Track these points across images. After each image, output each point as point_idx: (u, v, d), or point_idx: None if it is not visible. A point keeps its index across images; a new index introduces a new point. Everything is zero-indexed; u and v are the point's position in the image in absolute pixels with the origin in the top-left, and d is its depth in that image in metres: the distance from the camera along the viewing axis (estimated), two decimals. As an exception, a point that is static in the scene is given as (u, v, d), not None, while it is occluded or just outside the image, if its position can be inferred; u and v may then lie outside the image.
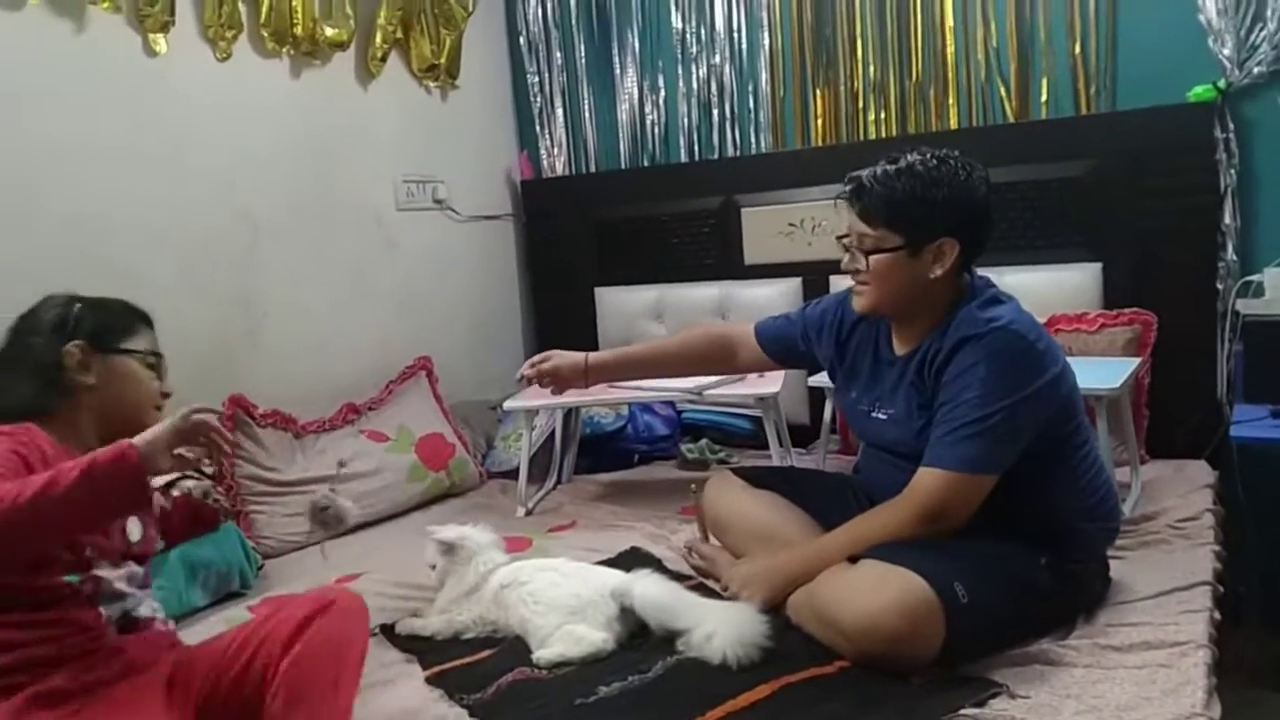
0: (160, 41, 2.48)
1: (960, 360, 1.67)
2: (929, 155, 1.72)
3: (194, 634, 1.93)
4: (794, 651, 1.61)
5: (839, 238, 1.83)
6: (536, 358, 2.19)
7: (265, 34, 2.75)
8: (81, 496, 1.21)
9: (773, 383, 2.64)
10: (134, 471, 1.24)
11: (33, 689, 1.28)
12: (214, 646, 1.46)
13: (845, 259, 1.81)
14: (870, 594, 1.54)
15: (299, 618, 1.38)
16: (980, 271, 1.83)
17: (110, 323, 1.49)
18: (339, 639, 1.38)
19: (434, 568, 1.94)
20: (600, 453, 3.16)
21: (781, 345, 2.10)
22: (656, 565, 2.11)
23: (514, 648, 1.73)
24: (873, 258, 1.73)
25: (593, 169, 3.60)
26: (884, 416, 1.83)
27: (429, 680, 1.66)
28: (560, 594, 1.77)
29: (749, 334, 2.15)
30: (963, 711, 1.40)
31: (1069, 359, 1.78)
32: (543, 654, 1.67)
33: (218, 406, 1.51)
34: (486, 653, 1.74)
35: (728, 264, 3.27)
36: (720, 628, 1.62)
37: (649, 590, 1.74)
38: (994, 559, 1.63)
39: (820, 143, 3.18)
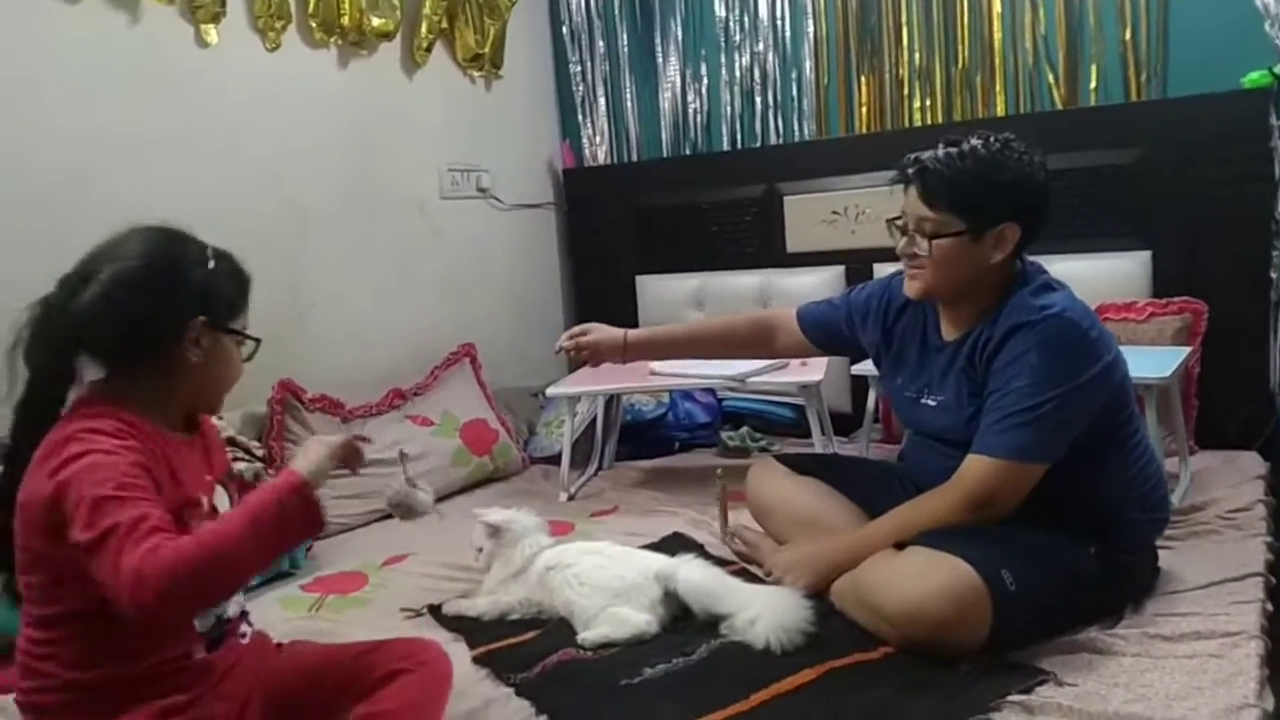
0: (211, 32, 2.53)
1: (1012, 348, 1.66)
2: (991, 139, 1.70)
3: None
4: (839, 637, 1.62)
5: (890, 220, 1.80)
6: (575, 329, 2.19)
7: (313, 24, 2.79)
8: (271, 542, 1.18)
9: (816, 370, 2.63)
10: (312, 503, 1.21)
11: None
12: (299, 662, 1.42)
13: (901, 242, 1.77)
14: (916, 580, 1.54)
15: (388, 669, 1.34)
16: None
17: (235, 298, 1.34)
18: (414, 706, 1.32)
19: (480, 550, 1.96)
20: (641, 440, 3.18)
21: (824, 330, 2.08)
22: (699, 550, 2.12)
23: (559, 629, 1.75)
24: (934, 242, 1.70)
25: (634, 158, 3.61)
26: (933, 403, 1.82)
27: (475, 660, 1.69)
28: (605, 576, 1.79)
29: (790, 318, 2.13)
30: (1009, 698, 1.40)
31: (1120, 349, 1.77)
32: (587, 635, 1.69)
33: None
34: (532, 634, 1.76)
35: (770, 252, 3.27)
36: (764, 612, 1.63)
37: (693, 575, 1.75)
38: (1042, 547, 1.62)
39: (864, 130, 3.17)
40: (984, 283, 1.73)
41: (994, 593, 1.51)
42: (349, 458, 1.36)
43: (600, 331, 2.16)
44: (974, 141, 1.70)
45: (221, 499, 1.40)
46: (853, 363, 2.76)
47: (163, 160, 2.43)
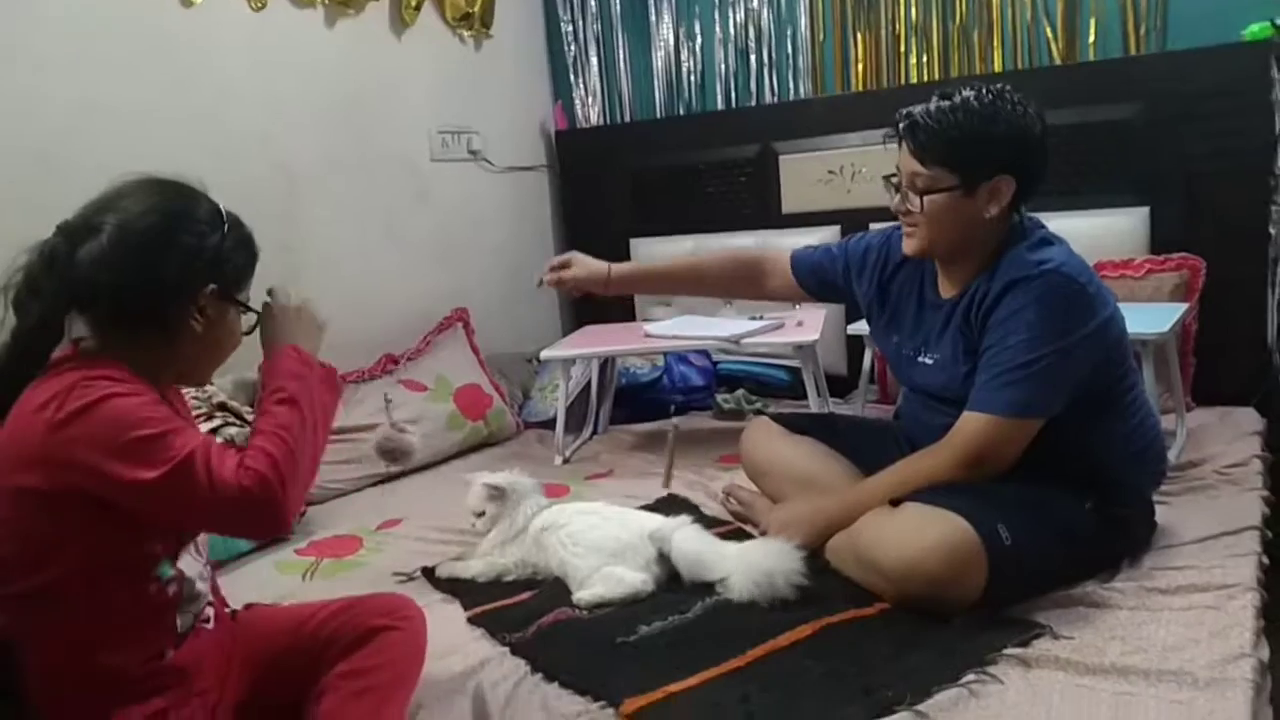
0: (195, -9, 2.48)
1: (1008, 303, 1.64)
2: (983, 90, 1.67)
3: (242, 576, 1.98)
4: (834, 594, 1.61)
5: (886, 177, 1.78)
6: (556, 260, 2.14)
7: (299, -18, 2.74)
8: (318, 419, 1.22)
9: (811, 330, 2.61)
10: (329, 373, 1.31)
11: None
12: (270, 627, 1.40)
13: (895, 200, 1.75)
14: (912, 536, 1.53)
15: (368, 626, 1.33)
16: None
17: (244, 268, 1.27)
18: (398, 664, 1.32)
19: (480, 514, 1.94)
20: (636, 403, 3.16)
21: (818, 278, 2.05)
22: (694, 511, 2.12)
23: (554, 589, 1.75)
24: (926, 198, 1.68)
25: (628, 118, 3.57)
26: (929, 362, 1.80)
27: (470, 620, 1.68)
28: (600, 536, 1.78)
29: (783, 261, 2.09)
30: (1006, 651, 1.40)
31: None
32: (582, 595, 1.69)
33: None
34: (527, 594, 1.76)
35: (765, 213, 3.24)
36: (757, 565, 1.63)
37: (685, 542, 1.74)
38: (1038, 503, 1.61)
39: (861, 88, 3.13)
40: (980, 238, 1.71)
41: (990, 548, 1.50)
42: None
43: (582, 264, 2.12)
44: (966, 93, 1.67)
45: None
46: (848, 320, 2.74)
47: (149, 123, 2.39)
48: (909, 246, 1.76)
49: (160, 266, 1.17)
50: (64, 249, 1.16)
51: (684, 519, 1.84)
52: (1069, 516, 1.64)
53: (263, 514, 1.11)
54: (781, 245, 3.06)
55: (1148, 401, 1.81)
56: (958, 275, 1.76)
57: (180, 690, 1.23)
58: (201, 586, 1.29)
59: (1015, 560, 1.52)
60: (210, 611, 1.34)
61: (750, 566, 1.62)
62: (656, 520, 1.84)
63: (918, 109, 1.68)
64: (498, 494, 1.92)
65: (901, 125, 1.70)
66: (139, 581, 1.18)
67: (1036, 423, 1.63)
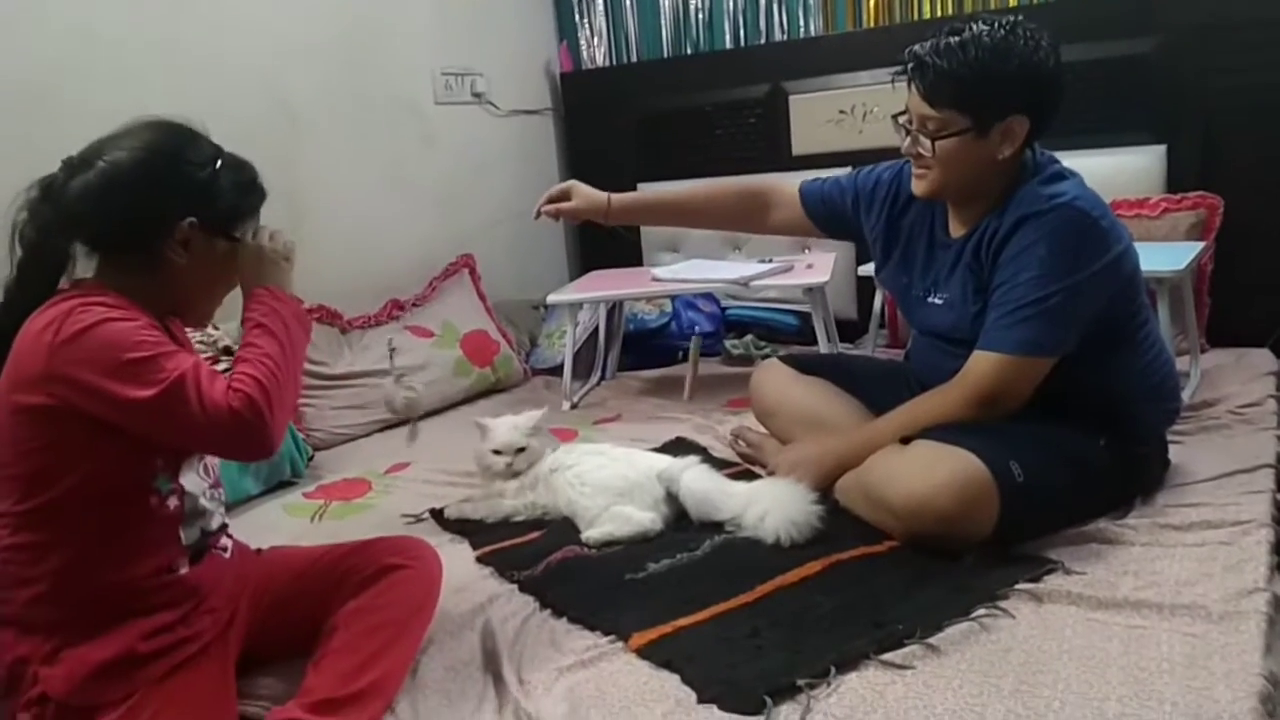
0: (193, -74, 2.42)
1: (1020, 239, 1.59)
2: (995, 25, 1.59)
3: (250, 519, 1.99)
4: (843, 532, 1.61)
5: (895, 116, 1.71)
6: (554, 190, 2.07)
7: (299, -82, 2.67)
8: (296, 342, 1.26)
9: (821, 272, 2.58)
10: (299, 308, 1.30)
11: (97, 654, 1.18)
12: (285, 566, 1.42)
13: (905, 142, 1.69)
14: (923, 473, 1.52)
15: (381, 564, 1.34)
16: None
17: (238, 203, 1.28)
18: (411, 602, 1.33)
19: (520, 451, 1.87)
20: (644, 349, 3.15)
21: (827, 209, 1.98)
22: (702, 453, 2.11)
23: (563, 529, 1.74)
24: (937, 142, 1.62)
25: (634, 59, 3.50)
26: (939, 301, 1.76)
27: (479, 560, 1.68)
28: (608, 476, 1.77)
29: (790, 192, 2.02)
30: (1018, 587, 1.39)
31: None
32: (591, 534, 1.68)
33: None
34: (535, 534, 1.76)
35: (775, 155, 3.19)
36: (773, 507, 1.62)
37: (694, 481, 1.73)
38: (1051, 440, 1.59)
39: (872, 24, 3.06)
40: (993, 178, 1.66)
41: (1002, 484, 1.49)
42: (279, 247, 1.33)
43: (581, 194, 2.05)
44: (977, 29, 1.58)
45: None
46: (859, 262, 2.70)
47: (150, 59, 2.34)
48: (919, 188, 1.71)
49: (138, 197, 1.20)
50: (61, 180, 1.21)
51: (693, 459, 1.82)
52: (1082, 454, 1.62)
53: (251, 435, 1.14)
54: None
55: (1161, 338, 1.78)
56: (969, 214, 1.72)
57: (190, 606, 1.26)
58: (207, 504, 1.32)
59: (1027, 497, 1.50)
60: (228, 542, 1.38)
61: (778, 509, 1.61)
62: (665, 460, 1.83)
63: (925, 47, 1.61)
64: (534, 432, 1.90)
65: (909, 66, 1.63)
66: (140, 494, 1.21)
67: (1048, 361, 1.60)
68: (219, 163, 1.26)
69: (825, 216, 1.99)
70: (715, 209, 2.11)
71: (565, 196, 2.05)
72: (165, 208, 1.22)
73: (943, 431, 1.59)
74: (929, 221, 1.80)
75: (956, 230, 1.75)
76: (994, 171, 1.64)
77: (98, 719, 1.16)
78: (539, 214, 2.08)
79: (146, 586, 1.23)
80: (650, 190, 2.15)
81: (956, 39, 1.58)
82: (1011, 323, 1.59)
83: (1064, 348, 1.60)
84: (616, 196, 2.07)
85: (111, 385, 1.11)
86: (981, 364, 1.62)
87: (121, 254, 1.23)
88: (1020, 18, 1.62)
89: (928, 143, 1.63)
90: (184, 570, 1.27)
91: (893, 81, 1.69)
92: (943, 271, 1.76)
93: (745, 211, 2.08)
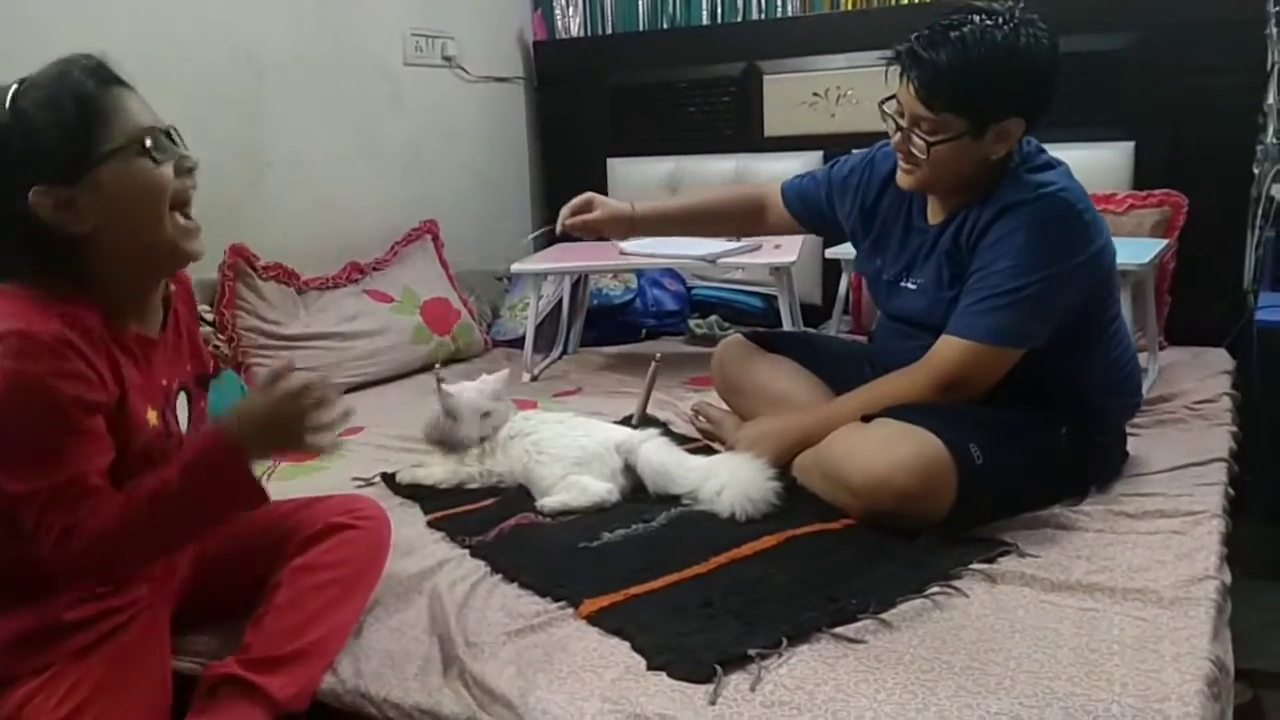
0: None
1: (1001, 226, 1.57)
2: (998, 19, 1.50)
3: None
4: (800, 508, 1.59)
5: (882, 104, 1.64)
6: (578, 202, 1.93)
7: None
8: (204, 518, 1.14)
9: (789, 252, 2.57)
10: (237, 468, 1.08)
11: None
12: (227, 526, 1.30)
13: (895, 136, 1.62)
14: (882, 451, 1.50)
15: (327, 522, 1.30)
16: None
17: (75, 132, 1.05)
18: (357, 561, 1.29)
19: (486, 414, 1.83)
20: (607, 325, 3.12)
21: (805, 206, 1.96)
22: (662, 428, 2.08)
23: (517, 496, 1.72)
24: (931, 146, 1.56)
25: (609, 30, 3.45)
26: (913, 287, 1.73)
27: (430, 524, 1.65)
28: (565, 445, 1.74)
29: (776, 194, 2.01)
30: (971, 566, 1.39)
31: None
32: (546, 502, 1.65)
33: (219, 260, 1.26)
34: (489, 501, 1.73)
35: (747, 135, 3.16)
36: (730, 481, 1.60)
37: (653, 454, 1.71)
38: (1013, 426, 1.58)
39: (850, 6, 3.04)
40: (983, 171, 1.62)
41: (960, 466, 1.48)
42: (295, 416, 1.09)
43: (605, 207, 1.93)
44: (978, 22, 1.50)
45: (182, 409, 1.28)
46: (825, 246, 2.69)
47: (105, 6, 2.25)
48: (905, 183, 1.67)
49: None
50: None
51: (652, 431, 1.80)
52: (1042, 441, 1.62)
53: (55, 567, 1.06)
54: (762, 170, 3.04)
55: (1128, 334, 1.78)
56: (950, 202, 1.68)
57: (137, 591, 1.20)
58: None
59: (985, 480, 1.50)
60: None
61: (735, 483, 1.59)
62: (624, 432, 1.80)
63: (922, 41, 1.52)
64: (498, 396, 1.87)
65: (904, 60, 1.55)
66: None
67: (1016, 352, 1.58)
68: (6, 106, 1.05)
69: (805, 213, 1.97)
70: (724, 215, 2.08)
71: (587, 207, 1.93)
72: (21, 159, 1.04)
73: (903, 411, 1.57)
74: (905, 206, 1.77)
75: (935, 216, 1.72)
76: (984, 168, 1.61)
77: (20, 687, 1.09)
78: (561, 229, 1.95)
79: None
80: (670, 201, 2.08)
81: (956, 34, 1.50)
82: (983, 310, 1.57)
83: (1034, 340, 1.58)
84: (641, 208, 1.97)
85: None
86: (948, 349, 1.60)
87: (16, 257, 1.08)
88: (1021, 8, 1.54)
89: (921, 144, 1.57)
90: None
91: (885, 68, 1.61)
92: (918, 256, 1.73)
93: (746, 216, 2.06)
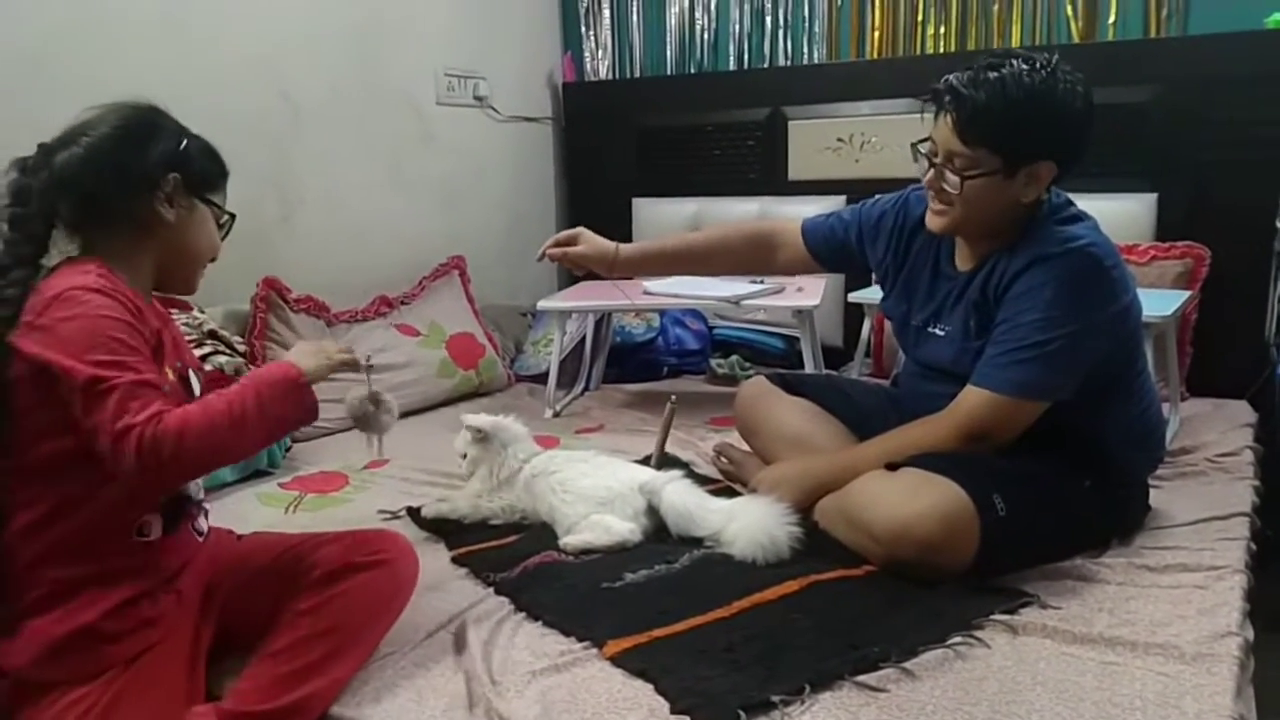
0: (201, -93, 2.42)
1: (1029, 279, 1.58)
2: (1036, 64, 1.54)
3: (223, 506, 1.96)
4: (822, 553, 1.60)
5: (915, 145, 1.66)
6: (563, 235, 2.00)
7: (311, -91, 2.67)
8: (270, 424, 1.23)
9: (812, 295, 2.59)
10: (311, 394, 1.28)
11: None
12: (259, 553, 1.39)
13: (926, 174, 1.64)
14: (905, 499, 1.52)
15: (344, 561, 1.29)
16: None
17: (209, 169, 1.35)
18: (367, 609, 1.28)
19: (464, 456, 1.92)
20: (629, 363, 3.15)
21: (831, 247, 1.96)
22: (685, 469, 2.10)
23: (541, 534, 1.74)
24: (965, 181, 1.57)
25: (637, 74, 3.51)
26: (940, 333, 1.75)
27: (455, 560, 1.67)
28: (590, 484, 1.76)
29: (794, 232, 2.00)
30: (993, 617, 1.39)
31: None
32: (569, 540, 1.67)
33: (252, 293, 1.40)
34: (513, 537, 1.75)
35: (771, 179, 3.20)
36: (749, 525, 1.61)
37: (675, 495, 1.72)
38: (1037, 478, 1.59)
39: (875, 55, 3.09)
40: (1010, 218, 1.63)
41: (983, 516, 1.49)
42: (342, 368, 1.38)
43: (589, 244, 1.98)
44: (1016, 65, 1.53)
45: (194, 387, 1.37)
46: (848, 289, 2.71)
47: (144, 41, 2.32)
48: (935, 224, 1.67)
49: (124, 157, 1.26)
50: (40, 159, 1.25)
51: (675, 473, 1.82)
52: (1066, 494, 1.62)
53: (137, 459, 1.11)
54: (786, 213, 3.07)
55: (1153, 388, 1.79)
56: (979, 249, 1.70)
57: (154, 582, 1.25)
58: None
59: (1007, 531, 1.50)
60: (205, 525, 1.39)
61: (753, 527, 1.60)
62: (648, 473, 1.82)
63: (962, 79, 1.55)
64: (481, 437, 1.89)
65: (945, 98, 1.58)
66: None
67: (1042, 405, 1.59)
68: (187, 137, 1.33)
69: (828, 253, 1.97)
70: (725, 254, 2.05)
71: (573, 242, 1.99)
72: (150, 164, 1.27)
73: (928, 460, 1.58)
74: (934, 252, 1.79)
75: (964, 263, 1.73)
76: (1013, 212, 1.62)
77: (55, 696, 1.14)
78: (543, 256, 2.00)
79: (111, 549, 1.21)
80: (656, 240, 2.10)
81: (996, 74, 1.53)
82: (1009, 362, 1.58)
83: (1060, 393, 1.59)
84: (625, 248, 2.01)
85: (70, 381, 1.12)
86: (974, 399, 1.61)
87: (109, 216, 1.26)
88: (1058, 58, 1.57)
89: (954, 179, 1.59)
90: (154, 535, 1.26)
91: (921, 110, 1.64)
92: (946, 303, 1.74)
93: (752, 255, 2.04)
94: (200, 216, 1.33)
